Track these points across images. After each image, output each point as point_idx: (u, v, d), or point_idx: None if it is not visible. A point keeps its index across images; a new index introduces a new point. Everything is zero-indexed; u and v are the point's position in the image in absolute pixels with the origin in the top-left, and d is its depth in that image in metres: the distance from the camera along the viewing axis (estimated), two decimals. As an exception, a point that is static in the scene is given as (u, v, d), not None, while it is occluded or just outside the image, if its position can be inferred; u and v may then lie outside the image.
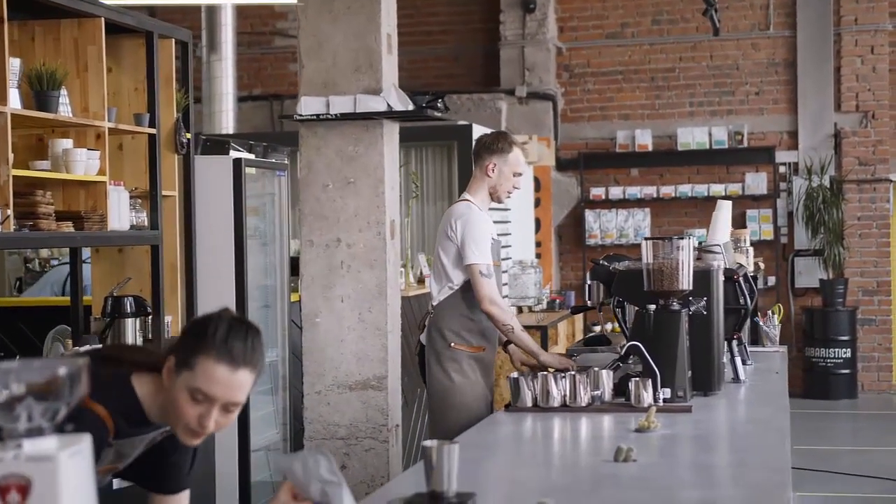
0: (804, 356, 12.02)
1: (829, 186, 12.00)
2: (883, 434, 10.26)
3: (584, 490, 3.07)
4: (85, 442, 1.76)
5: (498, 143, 5.04)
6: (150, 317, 5.47)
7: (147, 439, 2.72)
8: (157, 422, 2.67)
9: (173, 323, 5.69)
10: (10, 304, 6.93)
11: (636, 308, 4.47)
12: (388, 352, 5.51)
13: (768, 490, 2.97)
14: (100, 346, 4.92)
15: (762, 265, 10.78)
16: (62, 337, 5.57)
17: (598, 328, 9.89)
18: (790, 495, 6.19)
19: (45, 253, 8.92)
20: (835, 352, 11.85)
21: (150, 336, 5.48)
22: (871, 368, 12.22)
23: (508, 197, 5.20)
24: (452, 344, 4.97)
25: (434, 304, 5.05)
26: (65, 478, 1.70)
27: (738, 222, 11.72)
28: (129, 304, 5.35)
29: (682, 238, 4.34)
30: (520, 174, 5.07)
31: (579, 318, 10.75)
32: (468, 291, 4.93)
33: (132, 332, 5.32)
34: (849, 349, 11.87)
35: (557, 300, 10.61)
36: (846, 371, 11.88)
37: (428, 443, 2.67)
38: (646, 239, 4.37)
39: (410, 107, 5.45)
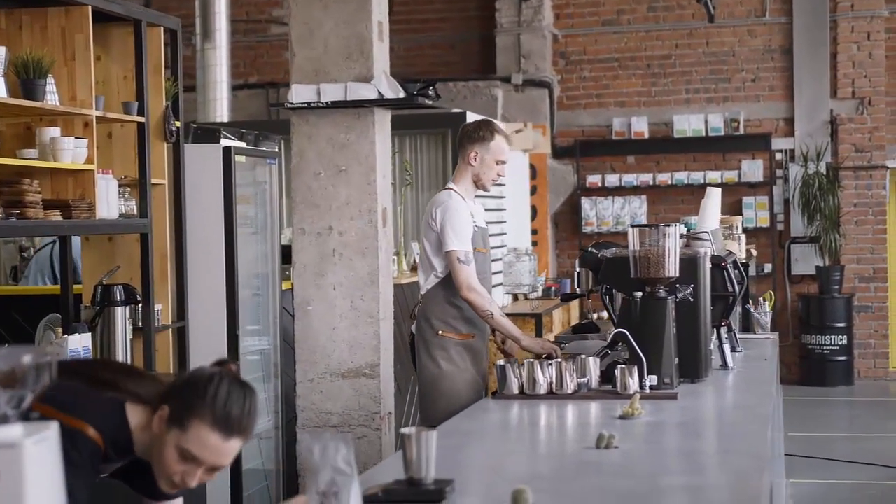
0: (800, 343, 12.03)
1: (825, 173, 11.99)
2: (879, 421, 10.26)
3: (566, 477, 3.07)
4: (51, 430, 1.76)
5: (480, 131, 5.01)
6: (139, 305, 5.47)
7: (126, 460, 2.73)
8: (141, 456, 2.67)
9: (163, 311, 5.69)
10: (4, 293, 6.92)
11: (623, 295, 4.47)
12: (380, 339, 5.51)
13: (746, 476, 2.97)
14: (93, 359, 4.83)
15: (754, 252, 10.75)
16: (53, 325, 5.57)
17: (594, 315, 9.88)
18: (782, 482, 6.19)
19: (39, 241, 8.91)
20: (831, 339, 11.85)
21: (140, 324, 5.48)
22: (867, 355, 12.22)
23: (499, 184, 5.18)
24: (440, 332, 4.97)
25: (422, 293, 5.05)
26: (30, 465, 1.70)
27: (734, 209, 11.72)
28: (118, 293, 5.34)
29: (669, 225, 4.34)
30: (503, 162, 5.04)
31: (575, 305, 10.75)
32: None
33: (122, 320, 5.32)
34: (845, 336, 11.87)
35: (553, 288, 10.61)
36: (842, 358, 11.88)
37: (406, 430, 2.68)
38: (632, 226, 4.37)
39: (401, 94, 5.44)
